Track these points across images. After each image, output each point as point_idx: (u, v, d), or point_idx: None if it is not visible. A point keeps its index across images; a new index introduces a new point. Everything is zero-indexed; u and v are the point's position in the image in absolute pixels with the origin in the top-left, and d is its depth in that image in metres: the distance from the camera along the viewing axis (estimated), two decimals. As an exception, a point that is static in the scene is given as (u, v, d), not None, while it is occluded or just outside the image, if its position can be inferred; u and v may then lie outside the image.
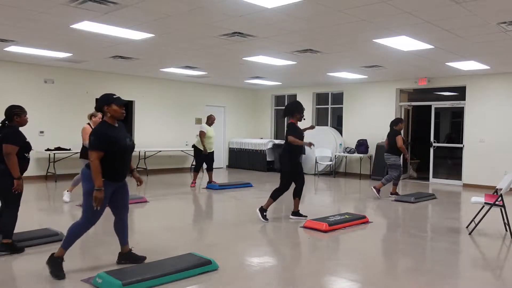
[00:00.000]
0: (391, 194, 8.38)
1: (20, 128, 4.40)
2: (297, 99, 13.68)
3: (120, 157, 3.69)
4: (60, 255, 3.70)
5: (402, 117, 11.68)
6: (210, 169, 9.46)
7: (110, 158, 3.61)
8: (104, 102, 3.69)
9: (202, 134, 9.12)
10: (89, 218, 3.67)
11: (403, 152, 8.10)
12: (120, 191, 3.85)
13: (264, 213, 6.11)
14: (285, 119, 6.30)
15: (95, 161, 3.53)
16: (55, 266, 3.66)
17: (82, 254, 4.40)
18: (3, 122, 4.39)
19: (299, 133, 6.08)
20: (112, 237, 5.07)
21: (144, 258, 4.09)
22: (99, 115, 6.97)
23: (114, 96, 3.72)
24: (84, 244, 4.79)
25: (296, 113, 6.11)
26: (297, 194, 6.24)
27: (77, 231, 3.70)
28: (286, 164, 6.11)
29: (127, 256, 4.06)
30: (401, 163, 8.30)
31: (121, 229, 4.02)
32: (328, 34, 6.34)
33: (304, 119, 6.25)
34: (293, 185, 6.25)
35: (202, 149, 9.11)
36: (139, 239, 5.04)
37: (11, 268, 3.96)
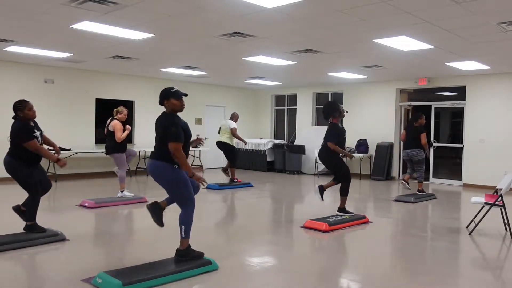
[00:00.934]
0: (418, 191, 8.40)
1: None
2: (297, 99, 13.82)
3: (187, 145, 3.87)
4: (186, 246, 3.94)
5: (403, 117, 11.69)
6: (234, 165, 9.69)
7: (183, 146, 3.77)
8: (163, 97, 3.81)
9: (234, 130, 9.45)
10: (188, 202, 3.87)
11: (425, 148, 8.20)
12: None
13: (346, 210, 6.22)
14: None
15: (181, 152, 3.67)
16: (191, 254, 3.94)
17: (82, 254, 4.40)
18: (14, 117, 4.76)
19: (340, 135, 6.16)
20: (113, 237, 5.08)
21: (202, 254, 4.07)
22: (125, 111, 7.24)
23: (172, 90, 3.81)
24: (84, 244, 4.79)
25: (334, 113, 6.18)
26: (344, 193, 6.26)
27: (187, 219, 3.90)
28: (332, 160, 6.17)
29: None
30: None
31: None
32: (328, 34, 6.34)
33: (346, 112, 6.30)
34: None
35: (234, 145, 9.50)
36: (139, 239, 5.05)
37: (12, 268, 3.96)
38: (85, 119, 10.90)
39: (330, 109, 6.23)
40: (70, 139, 10.55)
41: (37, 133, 4.80)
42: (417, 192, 8.37)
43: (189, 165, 3.74)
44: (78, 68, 10.50)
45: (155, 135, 3.90)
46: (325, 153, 6.20)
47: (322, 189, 6.24)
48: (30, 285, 3.53)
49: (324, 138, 6.23)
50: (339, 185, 6.21)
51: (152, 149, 3.93)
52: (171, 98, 3.78)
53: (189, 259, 3.93)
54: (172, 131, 3.65)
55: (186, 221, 3.92)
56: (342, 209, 6.24)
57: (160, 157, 3.77)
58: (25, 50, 8.09)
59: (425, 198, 8.22)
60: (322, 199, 6.24)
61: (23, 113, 4.71)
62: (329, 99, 13.25)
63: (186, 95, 3.85)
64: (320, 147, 6.43)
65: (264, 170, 13.16)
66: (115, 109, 7.32)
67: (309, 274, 3.95)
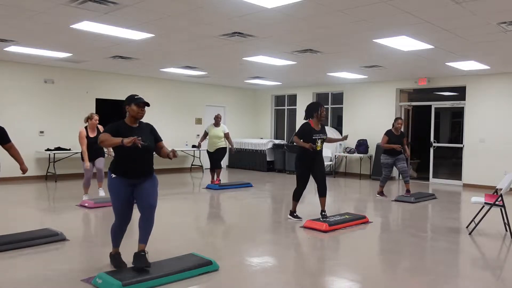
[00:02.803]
0: (377, 194, 8.39)
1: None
2: (297, 99, 13.82)
3: (126, 156, 3.72)
4: (115, 252, 3.98)
5: (402, 117, 11.66)
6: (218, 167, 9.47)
7: (120, 155, 3.77)
8: (126, 103, 3.84)
9: (204, 134, 9.48)
10: (115, 215, 3.86)
11: (385, 147, 7.99)
12: (137, 188, 3.79)
13: (294, 214, 6.17)
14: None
15: (101, 136, 3.68)
16: (114, 262, 3.95)
17: (82, 254, 4.40)
18: None
19: (308, 134, 5.93)
20: (112, 237, 5.07)
21: (148, 265, 3.72)
22: (95, 117, 7.05)
23: (136, 97, 3.83)
24: (84, 244, 4.79)
25: (314, 112, 6.02)
26: (321, 194, 6.05)
27: (112, 229, 3.94)
28: (296, 166, 6.14)
29: (136, 257, 3.72)
30: (389, 162, 8.06)
31: (139, 225, 3.80)
32: (328, 34, 6.34)
33: (323, 118, 6.13)
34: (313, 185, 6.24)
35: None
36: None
37: (11, 268, 3.96)
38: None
39: (312, 109, 6.06)
40: (70, 139, 10.53)
41: None
42: (377, 195, 8.36)
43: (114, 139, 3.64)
44: (78, 68, 10.50)
45: None
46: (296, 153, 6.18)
47: (292, 213, 6.20)
48: (30, 285, 3.53)
49: None
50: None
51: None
52: (132, 103, 3.78)
53: (113, 265, 3.92)
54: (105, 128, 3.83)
55: (111, 231, 3.95)
56: (291, 212, 6.23)
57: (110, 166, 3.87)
58: (25, 50, 8.09)
59: (425, 198, 8.20)
60: (300, 218, 6.15)
61: None
62: (329, 100, 13.27)
63: (148, 104, 3.83)
64: None
65: (264, 170, 13.16)
66: (85, 117, 7.14)
67: (309, 274, 3.95)
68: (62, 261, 4.16)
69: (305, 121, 6.11)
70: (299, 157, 6.08)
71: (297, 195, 6.14)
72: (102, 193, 7.45)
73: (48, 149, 10.04)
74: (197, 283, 3.63)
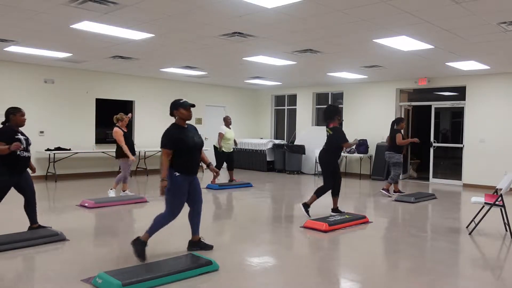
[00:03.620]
0: (395, 192, 8.63)
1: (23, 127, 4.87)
2: (297, 99, 13.83)
3: (189, 154, 4.14)
4: (145, 240, 4.14)
5: (402, 117, 11.68)
6: (231, 168, 9.93)
7: (181, 154, 4.08)
8: (173, 108, 4.25)
9: (220, 135, 9.57)
10: (171, 211, 4.13)
11: (405, 143, 8.44)
12: (192, 184, 4.26)
13: (308, 208, 6.40)
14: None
15: (164, 157, 4.07)
16: (140, 248, 4.11)
17: (82, 254, 4.40)
18: (3, 123, 4.82)
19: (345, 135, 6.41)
20: (113, 238, 5.08)
21: (212, 246, 4.52)
22: (126, 118, 7.54)
23: (181, 101, 4.25)
24: (84, 244, 4.79)
25: (337, 115, 6.42)
26: (336, 193, 6.51)
27: (161, 221, 4.16)
28: (330, 164, 6.42)
29: (196, 244, 4.48)
30: (402, 161, 8.59)
31: (193, 219, 4.44)
32: (328, 34, 6.34)
33: (343, 120, 6.60)
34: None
35: (219, 148, 9.62)
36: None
37: (11, 267, 3.96)
38: (85, 119, 10.90)
39: (335, 112, 6.45)
40: (70, 139, 10.56)
41: (19, 136, 4.80)
42: (381, 190, 8.64)
43: (163, 171, 4.05)
44: (78, 68, 10.50)
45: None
46: (326, 157, 6.49)
47: (306, 206, 6.47)
48: (30, 285, 3.53)
49: (332, 142, 6.41)
50: (344, 188, 6.31)
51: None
52: (179, 108, 4.20)
53: (135, 250, 4.11)
54: (161, 140, 4.10)
55: (156, 221, 4.16)
56: (307, 205, 6.42)
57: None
58: (25, 50, 8.09)
59: (425, 198, 8.22)
60: (309, 215, 6.37)
61: (14, 116, 4.78)
62: (329, 100, 13.27)
63: (193, 105, 4.25)
64: (321, 150, 6.61)
65: (264, 170, 13.16)
66: (115, 117, 7.58)
67: (309, 274, 3.95)
68: (62, 261, 4.17)
69: (329, 124, 6.47)
70: (334, 155, 6.45)
71: (323, 192, 6.40)
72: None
73: (48, 149, 10.04)
74: (197, 283, 3.63)
